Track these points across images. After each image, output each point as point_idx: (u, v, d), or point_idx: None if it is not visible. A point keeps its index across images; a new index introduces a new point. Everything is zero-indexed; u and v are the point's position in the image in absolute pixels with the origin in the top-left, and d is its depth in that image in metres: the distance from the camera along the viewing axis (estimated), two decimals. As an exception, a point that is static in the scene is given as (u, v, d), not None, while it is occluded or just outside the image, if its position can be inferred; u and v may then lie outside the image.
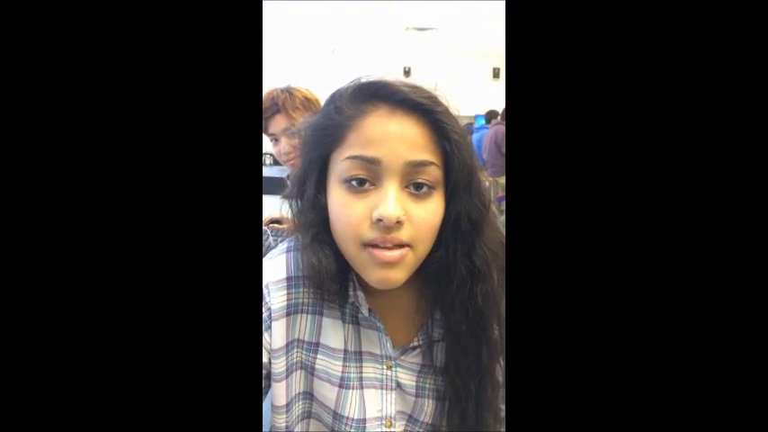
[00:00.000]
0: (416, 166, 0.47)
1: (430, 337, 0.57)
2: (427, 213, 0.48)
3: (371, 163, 0.47)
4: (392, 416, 0.57)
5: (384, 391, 0.57)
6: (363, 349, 0.57)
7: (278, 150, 1.24)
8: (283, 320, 0.55)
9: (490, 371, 0.54)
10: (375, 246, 0.47)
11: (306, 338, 0.56)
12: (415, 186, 0.48)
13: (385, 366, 0.57)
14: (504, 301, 0.54)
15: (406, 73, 6.33)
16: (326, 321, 0.57)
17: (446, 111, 0.49)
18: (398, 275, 0.48)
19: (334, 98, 0.52)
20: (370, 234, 0.47)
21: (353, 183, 0.47)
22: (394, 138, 0.46)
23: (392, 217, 0.45)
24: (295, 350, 0.56)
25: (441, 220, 0.50)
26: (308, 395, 0.58)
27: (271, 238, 1.27)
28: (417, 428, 0.58)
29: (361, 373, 0.57)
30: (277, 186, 1.96)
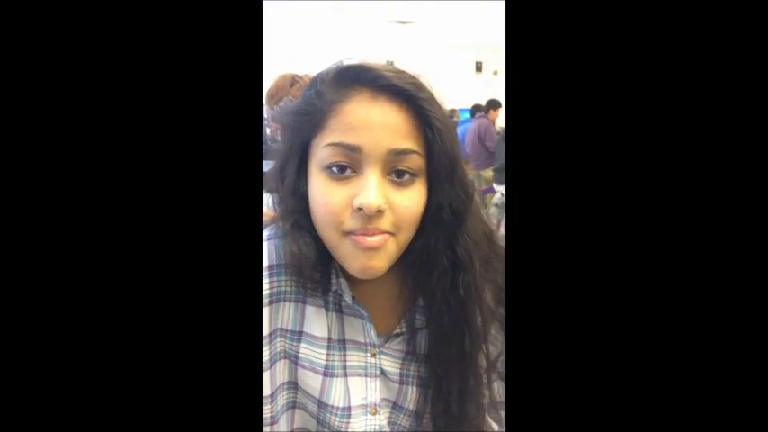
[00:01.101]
0: (398, 154, 0.46)
1: (413, 324, 0.57)
2: (410, 201, 0.47)
3: (352, 150, 0.46)
4: (377, 403, 0.57)
5: (368, 379, 0.57)
6: (347, 337, 0.57)
7: None
8: (266, 309, 0.54)
9: (473, 360, 0.54)
10: (356, 233, 0.47)
11: (289, 327, 0.56)
12: (396, 174, 0.47)
13: (369, 354, 0.57)
14: (486, 292, 0.54)
15: (389, 66, 6.32)
16: (309, 309, 0.56)
17: (430, 97, 0.48)
18: (380, 264, 0.48)
19: (315, 82, 0.50)
20: (351, 222, 0.46)
21: (334, 170, 0.47)
22: (376, 125, 0.46)
23: (372, 206, 0.45)
24: (278, 339, 0.55)
25: (423, 208, 0.49)
26: (293, 384, 0.57)
27: None
28: (402, 415, 0.58)
29: (345, 361, 0.56)
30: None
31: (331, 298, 0.56)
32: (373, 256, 0.47)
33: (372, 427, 0.56)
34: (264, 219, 1.39)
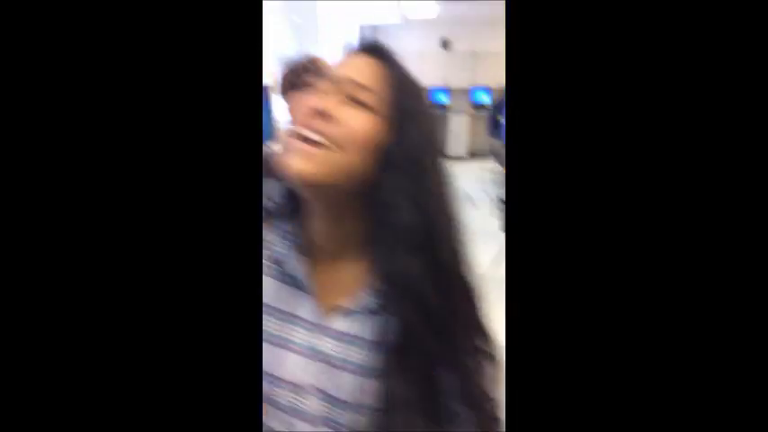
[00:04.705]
0: (356, 85, 0.50)
1: (365, 305, 0.52)
2: (357, 121, 0.49)
3: (325, 80, 0.52)
4: (305, 386, 0.52)
5: (305, 359, 0.52)
6: (295, 312, 0.54)
7: None
8: None
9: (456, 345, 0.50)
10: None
11: None
12: (350, 98, 0.50)
13: (310, 333, 0.53)
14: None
15: (358, 39, 6.32)
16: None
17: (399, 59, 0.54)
18: (309, 167, 0.47)
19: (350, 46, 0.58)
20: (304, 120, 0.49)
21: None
22: (349, 63, 0.53)
23: (315, 104, 0.48)
24: None
25: (373, 140, 0.49)
26: None
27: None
28: (338, 409, 0.51)
29: (287, 333, 0.54)
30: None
31: (276, 265, 0.55)
32: (304, 160, 0.47)
33: (297, 406, 0.52)
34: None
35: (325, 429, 0.51)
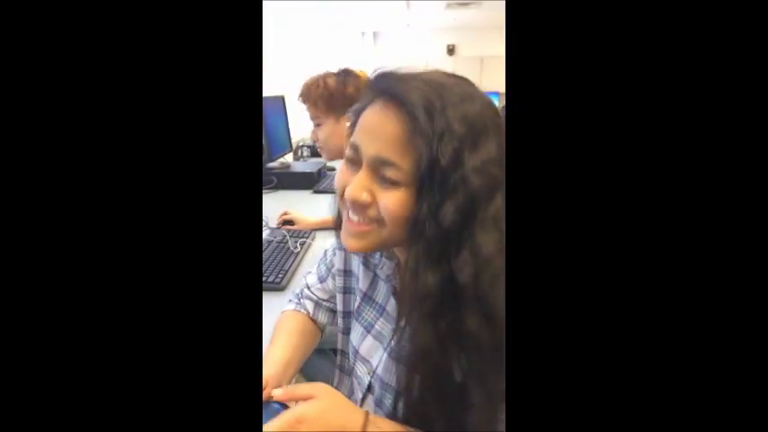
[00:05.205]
0: (382, 162, 0.49)
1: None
2: (390, 201, 0.50)
3: (353, 148, 0.52)
4: (374, 369, 0.65)
5: (381, 346, 0.65)
6: (387, 307, 0.66)
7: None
8: (342, 252, 0.73)
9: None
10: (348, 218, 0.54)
11: (354, 271, 0.73)
12: (381, 179, 0.50)
13: (389, 324, 0.65)
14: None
15: (363, 45, 6.32)
16: (361, 267, 0.71)
17: (432, 108, 0.47)
18: (358, 245, 0.54)
19: (367, 83, 0.56)
20: (345, 207, 0.54)
21: (348, 160, 0.54)
22: (372, 129, 0.50)
23: (349, 196, 0.51)
24: (351, 277, 0.73)
25: (410, 212, 0.50)
26: (349, 314, 0.74)
27: (290, 241, 1.32)
28: (387, 391, 0.63)
29: (374, 321, 0.67)
30: (309, 181, 2.07)
31: (375, 266, 0.69)
32: (356, 238, 0.54)
33: (365, 379, 0.67)
34: (298, 225, 1.47)
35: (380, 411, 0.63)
